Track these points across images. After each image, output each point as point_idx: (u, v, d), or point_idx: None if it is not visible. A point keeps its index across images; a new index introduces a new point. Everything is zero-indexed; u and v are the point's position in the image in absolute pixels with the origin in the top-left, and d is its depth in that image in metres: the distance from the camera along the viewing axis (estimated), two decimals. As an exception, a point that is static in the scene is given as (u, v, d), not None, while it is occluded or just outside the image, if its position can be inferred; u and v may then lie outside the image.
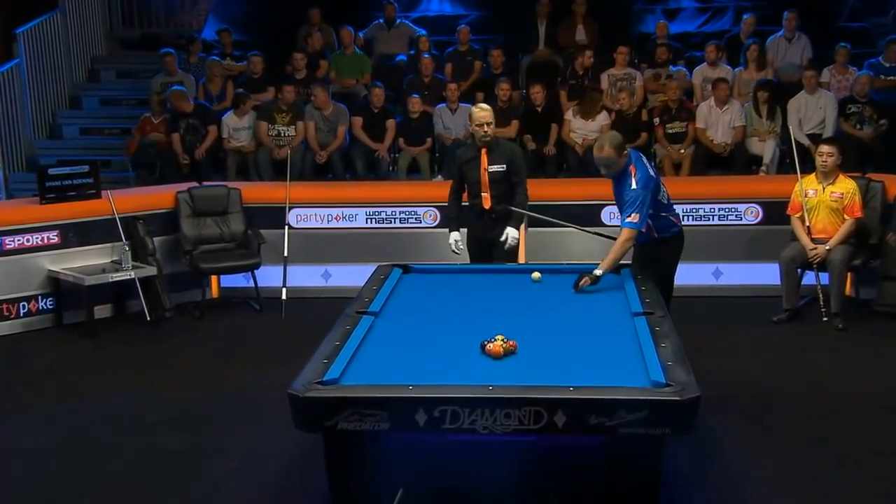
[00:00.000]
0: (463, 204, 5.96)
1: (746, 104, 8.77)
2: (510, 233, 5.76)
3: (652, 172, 4.99)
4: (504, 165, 5.75)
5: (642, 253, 5.11)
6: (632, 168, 4.90)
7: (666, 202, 5.08)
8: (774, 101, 8.65)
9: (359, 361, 3.69)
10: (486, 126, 5.69)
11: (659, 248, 5.06)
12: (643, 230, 4.92)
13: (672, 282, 5.12)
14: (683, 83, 9.18)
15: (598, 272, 4.73)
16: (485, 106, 5.91)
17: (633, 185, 4.86)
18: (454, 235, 5.92)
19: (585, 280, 4.70)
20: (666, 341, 3.77)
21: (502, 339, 3.72)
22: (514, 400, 3.24)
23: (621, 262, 5.08)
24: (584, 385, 3.31)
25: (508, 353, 3.71)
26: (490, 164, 5.74)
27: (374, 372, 3.57)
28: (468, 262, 5.88)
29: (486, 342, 3.73)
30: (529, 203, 5.90)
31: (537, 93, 8.89)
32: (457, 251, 5.92)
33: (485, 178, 5.74)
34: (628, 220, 4.85)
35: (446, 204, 6.06)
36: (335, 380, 3.44)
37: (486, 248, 5.83)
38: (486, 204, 5.75)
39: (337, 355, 3.68)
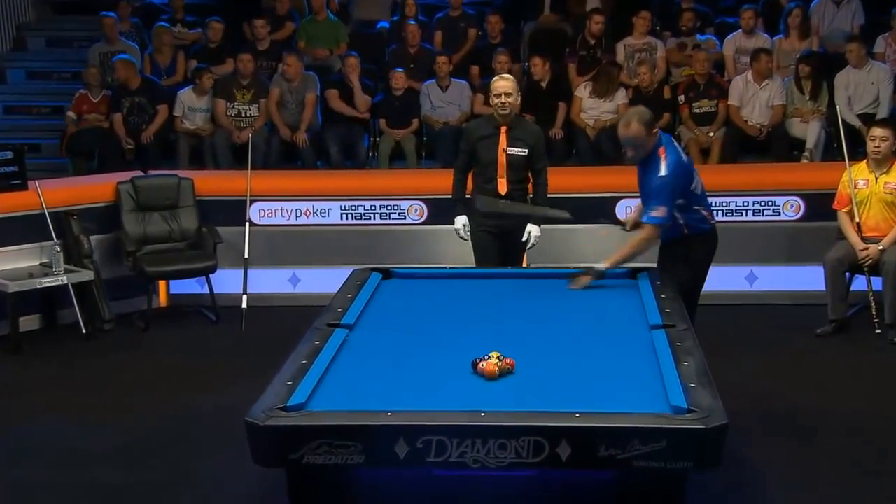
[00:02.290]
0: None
1: (787, 79, 8.81)
2: (532, 231, 5.83)
3: (684, 158, 5.02)
4: (526, 150, 5.85)
5: (669, 252, 5.12)
6: (661, 151, 4.91)
7: (699, 194, 5.10)
8: (820, 76, 8.68)
9: (329, 383, 3.68)
10: (504, 97, 5.78)
11: (688, 247, 5.08)
12: (669, 225, 4.92)
13: (700, 289, 5.14)
14: (713, 55, 9.21)
15: (601, 266, 4.73)
16: (507, 75, 6.05)
17: (662, 172, 4.86)
18: (460, 219, 5.99)
19: (586, 277, 4.65)
20: (689, 359, 3.78)
21: (497, 357, 3.73)
22: (510, 428, 3.24)
23: (639, 264, 5.10)
24: (592, 411, 3.31)
25: (504, 373, 3.71)
26: (510, 145, 5.84)
27: (347, 396, 3.56)
28: (466, 261, 5.90)
29: (478, 360, 3.74)
30: (528, 195, 5.95)
31: (542, 66, 8.91)
32: (464, 237, 5.98)
33: (502, 159, 5.84)
34: (652, 213, 4.87)
35: (451, 188, 6.04)
36: (301, 405, 3.44)
37: (497, 242, 5.87)
38: (502, 189, 5.84)
39: (303, 376, 3.67)
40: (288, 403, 3.43)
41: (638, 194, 7.07)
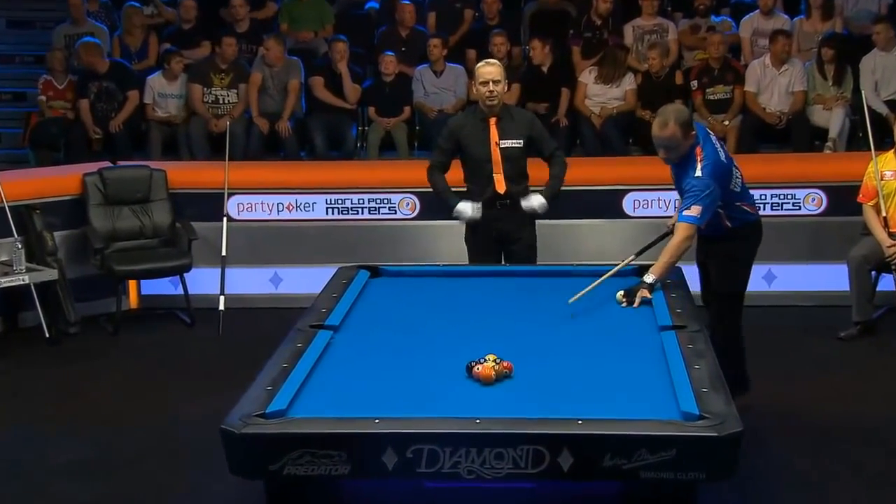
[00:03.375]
0: (455, 188, 5.88)
1: (808, 63, 8.82)
2: (536, 199, 5.71)
3: (722, 156, 5.01)
4: (521, 140, 5.75)
5: (713, 249, 5.15)
6: (697, 151, 4.90)
7: (739, 191, 5.11)
8: (844, 60, 8.70)
9: (312, 388, 3.68)
10: (492, 84, 5.66)
11: (733, 242, 5.11)
12: (705, 225, 4.93)
13: (746, 286, 5.18)
14: (728, 37, 9.23)
15: (648, 279, 4.72)
16: (493, 60, 5.94)
17: (697, 173, 4.85)
18: (463, 205, 5.75)
19: (642, 292, 4.62)
20: (701, 362, 3.79)
21: (494, 360, 3.73)
22: (507, 436, 3.24)
23: (649, 264, 5.12)
24: (596, 418, 3.32)
25: (502, 377, 3.71)
26: (503, 136, 5.73)
27: (332, 402, 3.57)
28: (461, 259, 5.90)
29: (473, 364, 3.74)
30: (530, 188, 5.88)
31: (543, 49, 8.91)
32: (476, 216, 5.73)
33: (496, 154, 5.72)
34: (686, 213, 4.85)
35: (429, 184, 5.95)
36: (281, 411, 3.44)
37: (496, 247, 5.81)
38: (500, 187, 5.73)
39: (284, 381, 3.68)
40: (267, 410, 3.43)
41: (647, 188, 7.20)
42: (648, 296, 4.64)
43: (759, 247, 5.20)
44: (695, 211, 4.83)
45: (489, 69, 5.72)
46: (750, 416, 4.93)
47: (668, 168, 5.18)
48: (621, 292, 4.66)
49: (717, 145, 5.06)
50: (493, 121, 5.74)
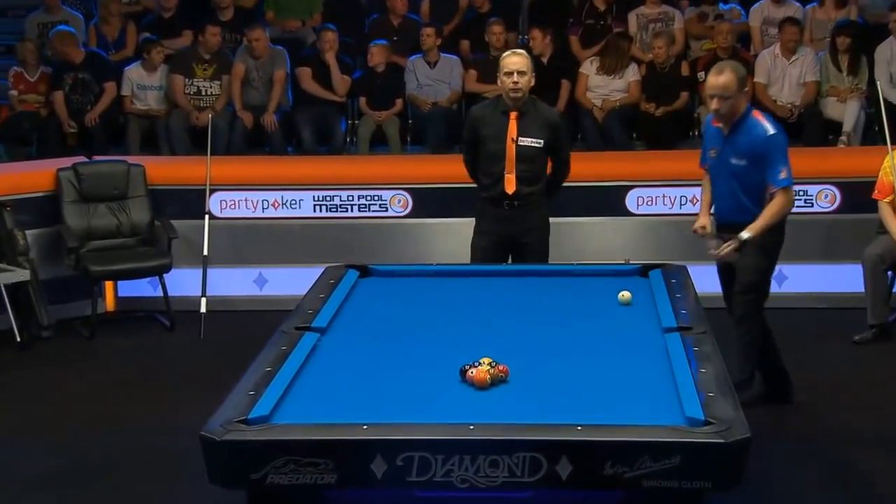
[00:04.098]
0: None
1: (821, 53, 8.84)
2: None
3: None
4: (542, 140, 5.68)
5: (735, 233, 5.19)
6: (756, 113, 5.11)
7: None
8: (858, 50, 8.71)
9: (297, 393, 3.68)
10: (517, 75, 5.61)
11: (763, 237, 5.18)
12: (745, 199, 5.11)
13: (769, 283, 5.33)
14: (737, 26, 9.24)
15: (745, 235, 4.86)
16: (520, 50, 5.92)
17: (771, 130, 5.06)
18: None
19: (734, 244, 4.80)
20: (707, 365, 3.79)
21: (489, 364, 3.73)
22: (503, 443, 3.24)
23: (650, 263, 5.16)
24: (596, 423, 3.31)
25: (497, 380, 3.71)
26: (522, 133, 5.66)
27: (318, 407, 3.56)
28: (457, 258, 5.93)
29: (467, 367, 3.74)
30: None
31: (535, 38, 8.91)
32: None
33: (511, 151, 5.66)
34: (781, 176, 5.00)
35: (472, 184, 5.93)
36: (264, 417, 3.43)
37: (504, 248, 5.78)
38: (510, 187, 5.67)
39: (267, 385, 3.67)
40: (249, 416, 3.42)
41: (651, 184, 7.20)
42: (736, 247, 4.80)
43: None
44: (786, 174, 5.02)
45: (515, 59, 5.68)
46: (759, 422, 4.99)
47: (672, 163, 5.21)
48: (625, 292, 4.66)
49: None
50: (514, 115, 5.68)
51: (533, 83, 5.75)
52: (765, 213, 5.04)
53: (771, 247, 5.27)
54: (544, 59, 8.95)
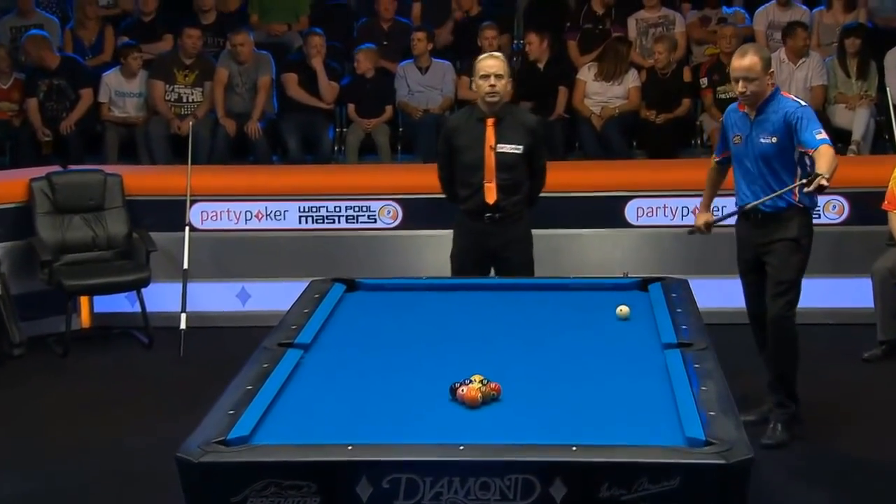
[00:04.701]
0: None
1: (829, 58, 8.87)
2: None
3: None
4: (521, 147, 5.69)
5: (773, 232, 5.30)
6: (784, 92, 5.36)
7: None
8: (868, 54, 8.74)
9: (279, 413, 3.66)
10: (494, 79, 5.60)
11: (798, 224, 5.30)
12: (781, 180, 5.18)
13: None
14: (741, 30, 9.27)
15: (826, 174, 4.89)
16: (497, 53, 5.93)
17: (802, 103, 5.30)
18: None
19: (820, 179, 4.85)
20: (708, 383, 3.77)
21: (480, 381, 3.72)
22: (494, 464, 3.23)
23: (652, 276, 5.17)
24: (592, 444, 3.30)
25: (488, 399, 3.70)
26: (500, 140, 5.66)
27: (301, 427, 3.55)
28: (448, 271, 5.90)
29: (457, 385, 3.73)
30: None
31: (532, 43, 8.94)
32: None
33: (490, 159, 5.65)
34: (819, 136, 5.09)
35: (445, 197, 5.99)
36: (244, 438, 3.42)
37: (485, 263, 5.79)
38: (490, 198, 5.67)
39: (248, 404, 3.65)
40: (229, 436, 3.40)
41: (652, 194, 7.20)
42: (826, 183, 4.86)
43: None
44: (824, 135, 5.11)
45: (491, 62, 5.67)
46: (760, 444, 4.99)
47: (673, 173, 5.25)
48: (623, 307, 4.66)
49: None
50: (490, 121, 5.69)
51: (510, 86, 5.77)
52: (825, 163, 4.98)
53: (803, 240, 5.32)
54: (540, 65, 8.99)
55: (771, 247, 5.31)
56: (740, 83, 5.22)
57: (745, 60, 5.19)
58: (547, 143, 8.66)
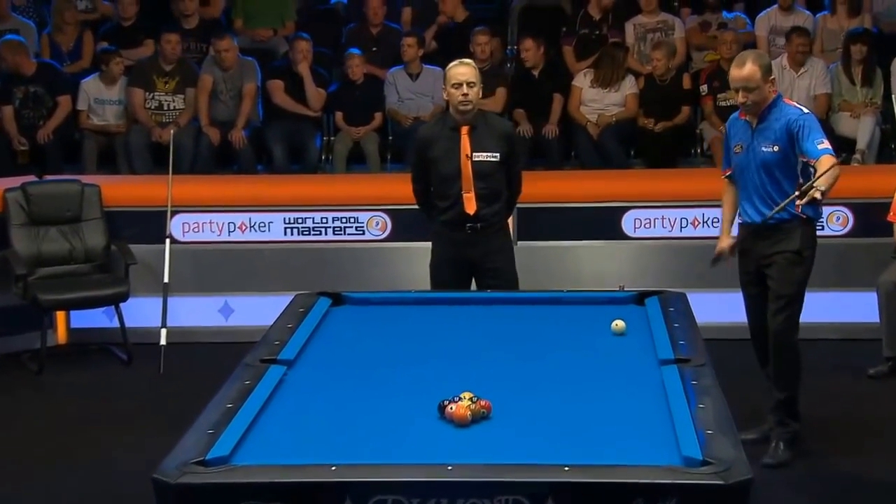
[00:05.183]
0: None
1: (833, 65, 8.89)
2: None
3: None
4: (498, 154, 5.73)
5: (776, 244, 5.29)
6: (786, 99, 5.34)
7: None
8: (873, 61, 8.77)
9: (260, 432, 3.65)
10: (466, 87, 5.64)
11: (801, 237, 5.28)
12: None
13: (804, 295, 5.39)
14: (742, 35, 9.31)
15: (822, 187, 4.88)
16: (467, 60, 5.93)
17: (804, 110, 5.26)
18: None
19: (814, 192, 4.85)
20: (706, 401, 3.77)
21: (470, 399, 3.71)
22: (484, 485, 3.22)
23: (650, 290, 5.18)
24: (585, 463, 3.29)
25: (478, 417, 3.69)
26: (476, 148, 5.70)
27: (283, 447, 3.54)
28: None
29: (446, 402, 3.72)
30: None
31: (528, 50, 8.96)
32: None
33: (467, 169, 5.69)
34: (821, 147, 5.08)
35: (419, 208, 6.02)
36: (224, 458, 3.40)
37: (466, 274, 5.82)
38: (470, 208, 5.70)
39: (228, 423, 3.64)
40: (207, 456, 3.39)
41: (649, 205, 7.21)
42: (818, 196, 4.87)
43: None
44: (827, 145, 5.10)
45: (462, 69, 5.70)
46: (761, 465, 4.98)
47: (672, 183, 5.26)
48: (618, 321, 4.67)
49: None
50: (465, 130, 5.72)
51: (481, 95, 5.81)
52: (826, 174, 4.97)
53: (805, 254, 5.31)
54: (535, 72, 9.00)
55: (772, 258, 5.32)
56: (740, 93, 5.23)
57: (744, 70, 5.18)
58: (543, 152, 8.80)
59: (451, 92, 5.69)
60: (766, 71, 5.22)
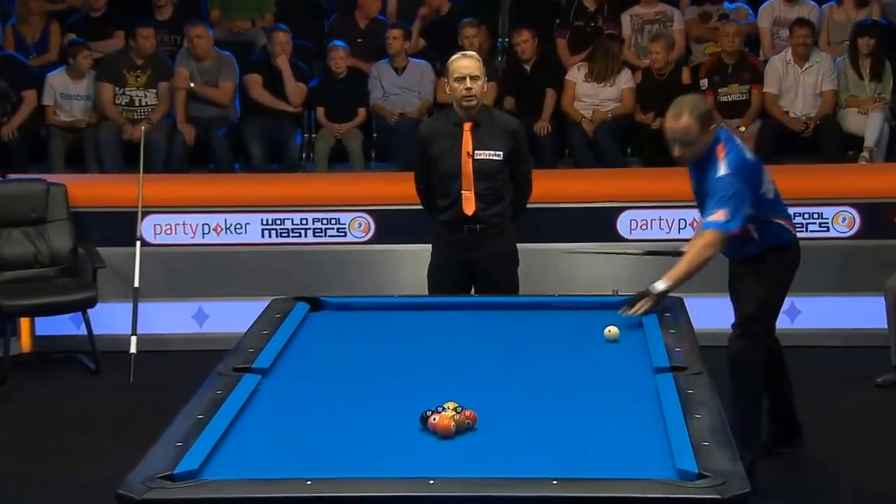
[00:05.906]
0: None
1: (840, 59, 8.91)
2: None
3: (749, 156, 5.17)
4: (501, 152, 5.72)
5: (740, 270, 5.27)
6: (719, 149, 5.06)
7: (772, 197, 5.21)
8: (882, 54, 8.79)
9: (232, 445, 3.65)
10: (469, 80, 5.62)
11: (764, 264, 5.21)
12: (736, 235, 5.02)
13: (774, 316, 5.32)
14: (745, 27, 9.33)
15: (660, 286, 4.85)
16: (471, 52, 5.94)
17: (720, 172, 5.00)
18: None
19: (645, 302, 4.80)
20: (702, 411, 3.77)
21: (454, 409, 3.71)
22: (468, 500, 3.23)
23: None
24: (574, 477, 3.29)
25: (463, 428, 3.69)
26: (478, 146, 5.69)
27: (256, 460, 3.54)
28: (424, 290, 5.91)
29: (429, 413, 3.72)
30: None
31: (526, 41, 8.98)
32: None
33: (468, 167, 5.68)
34: (711, 218, 4.96)
35: (422, 209, 6.03)
36: (192, 472, 3.39)
37: (465, 278, 5.81)
38: (469, 208, 5.70)
39: (198, 435, 3.63)
40: (175, 471, 3.38)
41: (646, 205, 7.22)
42: (650, 305, 4.79)
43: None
44: (720, 215, 4.93)
45: (465, 63, 5.68)
46: (765, 476, 4.99)
47: (670, 182, 5.25)
48: (612, 328, 4.66)
49: (741, 146, 5.19)
50: (467, 126, 5.71)
51: (486, 88, 5.80)
52: (681, 260, 4.98)
53: (771, 273, 5.23)
54: (527, 66, 9.00)
55: (739, 276, 5.28)
56: (676, 147, 5.06)
57: (679, 123, 4.98)
58: (534, 150, 8.79)
59: (454, 86, 5.68)
60: (703, 120, 4.99)
